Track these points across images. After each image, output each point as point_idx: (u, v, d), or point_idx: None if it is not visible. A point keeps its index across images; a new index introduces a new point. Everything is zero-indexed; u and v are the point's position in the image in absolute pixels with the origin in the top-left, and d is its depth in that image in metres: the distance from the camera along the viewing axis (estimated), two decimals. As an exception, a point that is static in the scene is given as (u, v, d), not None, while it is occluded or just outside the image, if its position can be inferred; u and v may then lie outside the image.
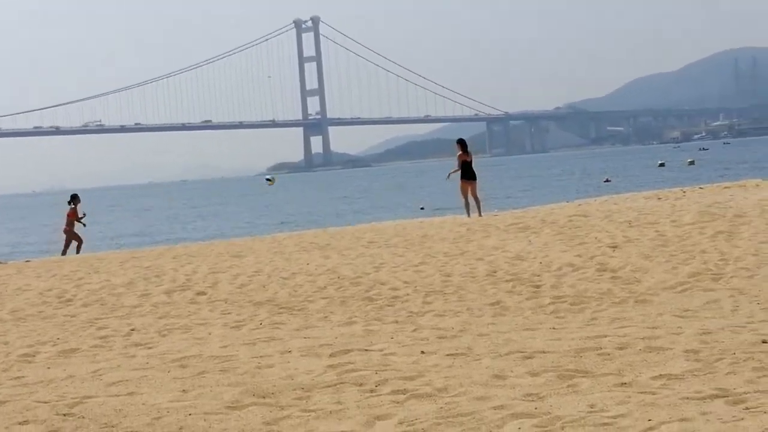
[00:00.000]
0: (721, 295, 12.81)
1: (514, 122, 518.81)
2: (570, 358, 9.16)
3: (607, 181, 77.01)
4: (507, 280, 15.27)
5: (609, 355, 9.19)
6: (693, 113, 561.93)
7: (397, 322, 12.36)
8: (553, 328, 11.06)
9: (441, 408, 7.57)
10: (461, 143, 28.76)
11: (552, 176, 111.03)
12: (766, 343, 9.24)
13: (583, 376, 8.35)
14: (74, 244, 31.25)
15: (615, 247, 17.71)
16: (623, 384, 8.00)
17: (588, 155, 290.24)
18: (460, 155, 28.49)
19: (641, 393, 7.63)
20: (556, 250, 17.93)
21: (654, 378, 8.13)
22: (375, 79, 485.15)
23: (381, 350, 10.20)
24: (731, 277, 14.23)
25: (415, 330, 11.52)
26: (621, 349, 9.42)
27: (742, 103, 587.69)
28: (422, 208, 53.10)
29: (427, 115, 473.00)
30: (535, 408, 7.38)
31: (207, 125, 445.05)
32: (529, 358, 9.27)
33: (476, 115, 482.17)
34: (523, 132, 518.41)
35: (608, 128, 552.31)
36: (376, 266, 17.77)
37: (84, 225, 31.90)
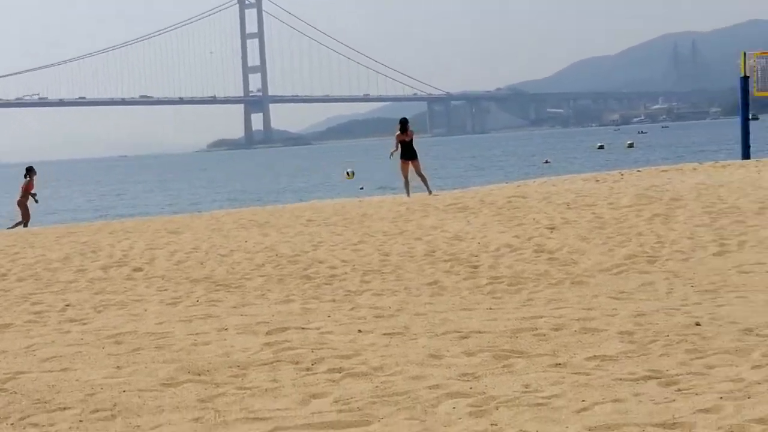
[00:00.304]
0: (657, 277, 12.94)
1: (455, 102, 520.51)
2: (506, 338, 9.21)
3: (546, 162, 77.41)
4: (445, 260, 15.31)
5: (544, 335, 9.24)
6: (632, 96, 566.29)
7: (334, 300, 12.36)
8: (490, 309, 11.10)
9: (377, 387, 7.58)
10: (401, 123, 28.80)
11: (492, 157, 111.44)
12: (699, 325, 9.34)
13: (518, 357, 8.40)
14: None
15: (552, 228, 17.81)
16: (558, 365, 8.05)
17: (528, 136, 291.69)
18: (397, 135, 28.54)
19: (575, 374, 7.69)
20: (494, 231, 18.00)
21: (588, 359, 8.19)
22: (317, 57, 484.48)
23: (318, 329, 10.19)
24: (666, 259, 14.37)
25: (352, 309, 11.53)
26: (556, 330, 9.48)
27: (681, 88, 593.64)
28: (362, 188, 53.09)
29: (367, 94, 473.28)
30: (470, 388, 7.40)
31: (147, 100, 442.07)
32: (466, 338, 9.31)
33: (415, 94, 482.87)
34: (464, 112, 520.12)
35: (548, 110, 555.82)
36: (315, 245, 17.75)
37: (36, 201, 31.47)
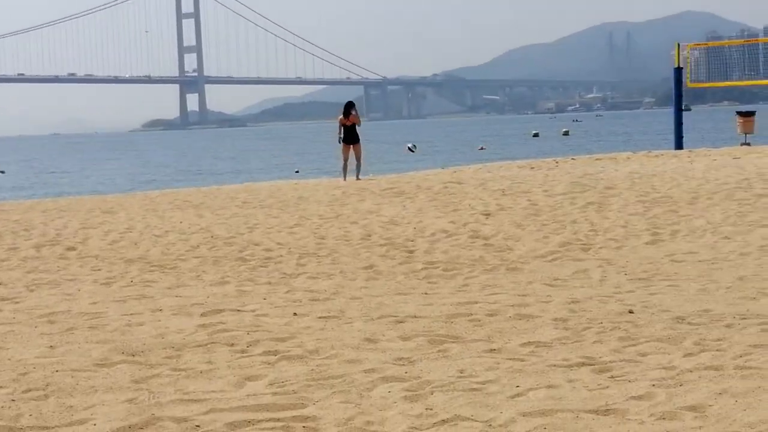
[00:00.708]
0: (590, 265, 13.04)
1: (392, 87, 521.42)
2: (441, 323, 9.23)
3: (481, 148, 77.54)
4: (381, 245, 15.33)
5: (479, 321, 9.28)
6: (568, 85, 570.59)
7: (270, 283, 12.34)
8: (425, 293, 11.13)
9: (312, 370, 7.58)
10: (345, 106, 28.75)
11: (429, 142, 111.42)
12: (632, 313, 9.42)
13: (453, 342, 8.42)
14: None
15: (488, 214, 17.89)
16: (492, 350, 8.08)
17: (464, 122, 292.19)
18: (340, 119, 28.52)
19: (510, 359, 7.73)
20: (430, 216, 18.05)
21: (523, 345, 8.24)
22: (254, 38, 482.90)
23: (253, 311, 10.16)
24: (600, 247, 14.50)
25: (288, 291, 11.51)
26: (491, 315, 9.53)
27: (615, 77, 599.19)
28: (297, 171, 52.99)
29: (299, 77, 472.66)
30: (406, 372, 7.42)
31: (81, 78, 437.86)
32: (401, 322, 9.33)
33: (348, 78, 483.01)
34: (400, 97, 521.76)
35: (484, 97, 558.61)
36: (250, 227, 17.70)
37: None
